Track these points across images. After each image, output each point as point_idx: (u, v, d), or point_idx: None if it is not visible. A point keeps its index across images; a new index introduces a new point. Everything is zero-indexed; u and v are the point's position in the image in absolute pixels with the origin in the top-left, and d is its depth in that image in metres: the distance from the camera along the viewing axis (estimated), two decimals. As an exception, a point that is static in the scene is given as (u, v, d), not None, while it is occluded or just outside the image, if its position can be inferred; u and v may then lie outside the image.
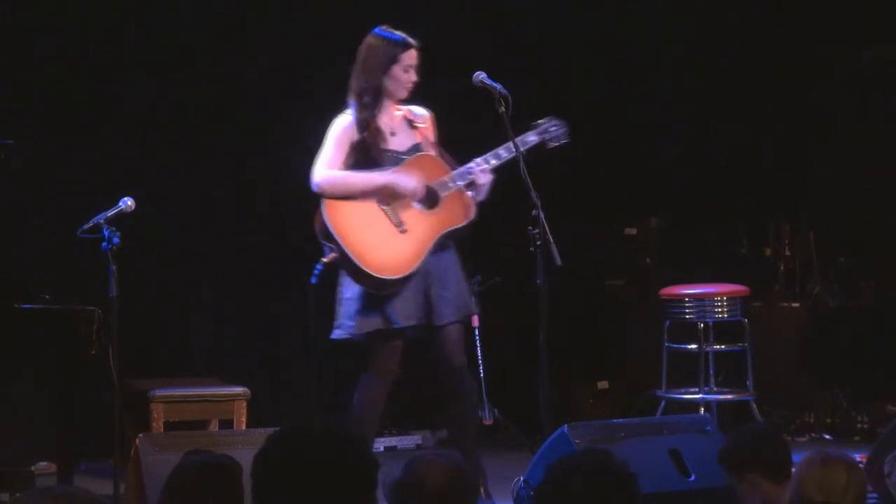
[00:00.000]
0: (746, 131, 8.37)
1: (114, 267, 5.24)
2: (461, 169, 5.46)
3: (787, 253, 8.27)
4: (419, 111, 5.58)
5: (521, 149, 5.41)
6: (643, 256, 8.31)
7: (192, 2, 7.22)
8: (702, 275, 7.55)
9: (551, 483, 2.94)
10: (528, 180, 5.31)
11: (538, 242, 5.21)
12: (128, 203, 5.38)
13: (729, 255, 8.31)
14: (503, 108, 5.36)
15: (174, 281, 7.11)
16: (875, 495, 4.66)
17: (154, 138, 7.13)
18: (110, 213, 5.34)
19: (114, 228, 5.28)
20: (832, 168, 8.39)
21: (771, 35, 8.33)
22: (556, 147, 5.62)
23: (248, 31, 7.39)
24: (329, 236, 5.36)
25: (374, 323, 5.37)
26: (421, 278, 5.40)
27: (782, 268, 8.26)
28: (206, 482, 3.39)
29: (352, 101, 5.46)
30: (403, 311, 5.36)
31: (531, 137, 5.55)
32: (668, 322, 7.26)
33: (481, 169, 5.45)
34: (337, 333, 5.45)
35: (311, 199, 5.42)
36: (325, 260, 5.38)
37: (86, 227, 5.31)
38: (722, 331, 7.24)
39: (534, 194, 5.23)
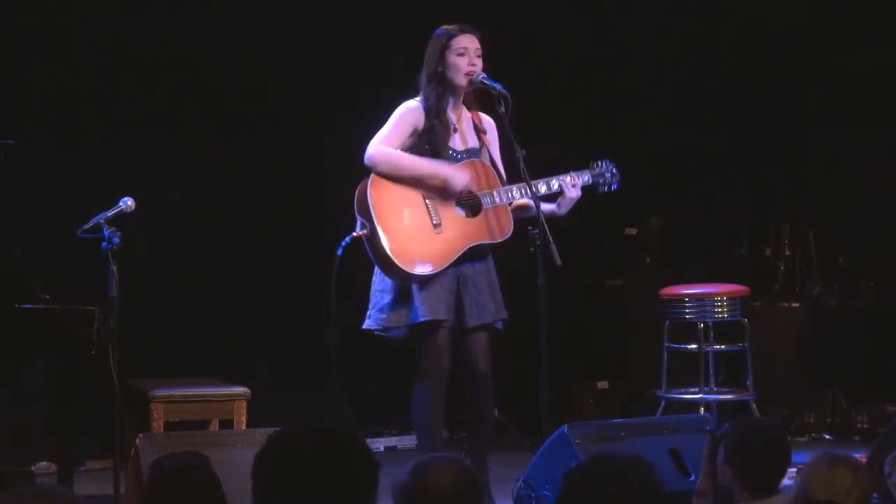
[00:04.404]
0: (746, 131, 8.36)
1: (114, 267, 5.24)
2: (510, 186, 5.44)
3: (787, 253, 8.27)
4: (487, 118, 5.58)
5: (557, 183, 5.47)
6: (643, 256, 8.31)
7: (192, 1, 7.22)
8: (702, 275, 7.55)
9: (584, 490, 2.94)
10: (529, 180, 5.31)
11: (538, 243, 5.21)
12: (128, 203, 5.38)
13: (729, 255, 8.31)
14: (503, 109, 5.37)
15: (174, 281, 7.11)
16: (876, 495, 4.66)
17: (154, 138, 7.12)
18: (110, 213, 5.33)
19: (114, 228, 5.27)
20: (832, 168, 8.39)
21: (771, 34, 8.33)
22: (606, 192, 5.69)
23: (248, 30, 7.38)
24: (366, 211, 5.33)
25: (402, 318, 5.38)
26: (453, 279, 5.38)
27: (782, 268, 8.26)
28: (178, 485, 3.39)
29: (421, 92, 5.48)
30: (433, 306, 5.33)
31: (585, 177, 5.58)
32: (668, 322, 7.27)
33: (573, 183, 5.48)
34: (367, 324, 5.47)
35: (356, 174, 5.42)
36: (354, 234, 5.35)
37: (86, 227, 5.31)
38: (722, 331, 7.24)
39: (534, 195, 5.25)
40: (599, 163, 5.68)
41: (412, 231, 5.36)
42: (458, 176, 5.39)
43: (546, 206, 5.51)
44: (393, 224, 5.35)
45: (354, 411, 5.54)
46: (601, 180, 5.65)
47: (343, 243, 5.35)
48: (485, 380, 5.49)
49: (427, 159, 5.42)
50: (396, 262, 5.31)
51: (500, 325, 5.53)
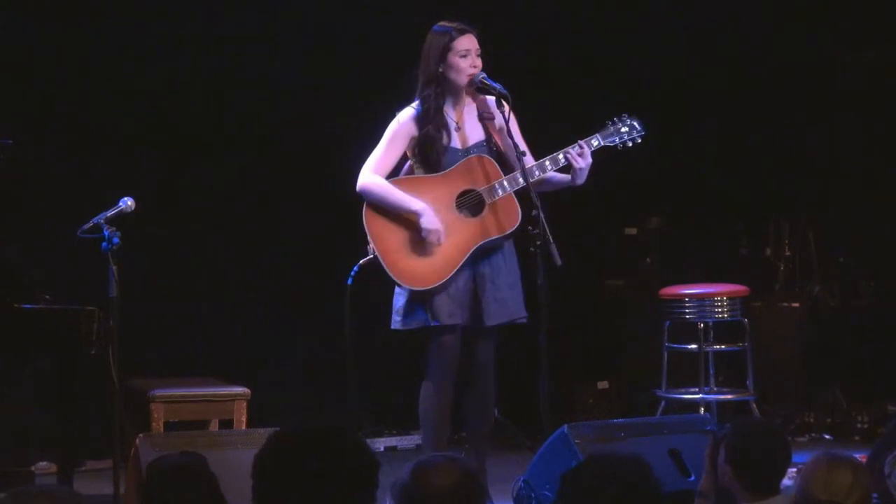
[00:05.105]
0: (746, 131, 8.36)
1: (114, 267, 5.24)
2: (514, 174, 5.39)
3: (787, 253, 8.27)
4: (491, 100, 5.49)
5: (562, 154, 5.40)
6: (643, 256, 8.31)
7: (191, 2, 7.22)
8: (702, 275, 7.55)
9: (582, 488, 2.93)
10: (529, 181, 5.30)
11: (538, 242, 5.20)
12: (128, 203, 5.38)
13: (729, 255, 8.31)
14: (504, 108, 5.36)
15: (174, 281, 7.11)
16: (876, 495, 4.66)
17: (154, 138, 7.12)
18: (110, 213, 5.33)
19: (114, 228, 5.27)
20: (832, 167, 8.39)
21: (772, 35, 8.33)
22: (631, 147, 5.59)
23: (247, 30, 7.38)
24: (366, 236, 5.40)
25: (418, 320, 5.40)
26: (469, 279, 5.39)
27: (782, 268, 8.26)
28: (175, 485, 3.39)
29: (418, 95, 5.46)
30: (447, 309, 5.35)
31: (595, 141, 5.51)
32: (668, 322, 7.26)
33: (578, 153, 5.40)
34: (392, 324, 5.50)
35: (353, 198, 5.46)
36: (361, 262, 5.41)
37: (86, 227, 5.30)
38: (722, 331, 7.24)
39: (534, 195, 5.23)
40: (613, 121, 5.59)
41: (411, 247, 5.39)
42: (427, 219, 5.36)
43: (564, 177, 5.49)
44: (391, 244, 5.39)
45: (367, 413, 5.57)
46: (617, 139, 5.57)
47: (352, 272, 5.43)
48: (487, 376, 5.50)
49: (414, 198, 5.39)
50: (400, 281, 5.37)
51: (522, 321, 5.50)
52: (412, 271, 5.37)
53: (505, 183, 5.40)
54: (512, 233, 5.41)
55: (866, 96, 8.30)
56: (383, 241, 5.39)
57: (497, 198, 5.40)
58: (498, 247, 5.45)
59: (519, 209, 5.40)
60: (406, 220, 5.41)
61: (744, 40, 8.29)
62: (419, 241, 5.39)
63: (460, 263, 5.36)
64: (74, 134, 6.92)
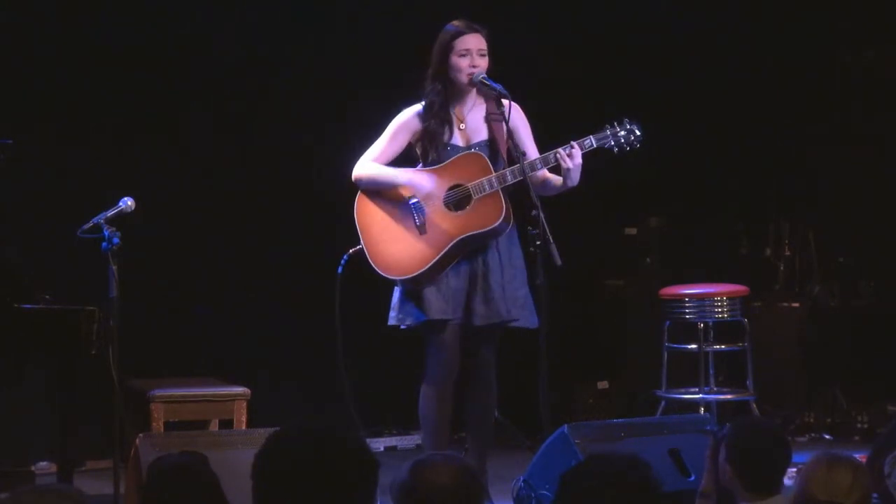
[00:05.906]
0: (747, 131, 8.36)
1: (114, 267, 5.24)
2: (503, 171, 5.38)
3: (787, 253, 8.27)
4: (506, 103, 5.42)
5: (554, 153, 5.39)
6: (643, 256, 8.31)
7: (192, 2, 7.22)
8: (702, 275, 7.55)
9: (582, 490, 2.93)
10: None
11: (538, 242, 5.20)
12: (128, 203, 5.38)
13: (729, 255, 8.31)
14: (503, 109, 5.36)
15: (174, 281, 7.11)
16: (876, 495, 4.66)
17: (154, 138, 7.12)
18: (110, 213, 5.34)
19: (114, 228, 5.28)
20: (833, 167, 8.39)
21: (772, 35, 8.33)
22: (629, 152, 5.55)
23: (248, 31, 7.38)
24: (355, 226, 5.47)
25: (411, 316, 5.42)
26: (464, 277, 5.39)
27: (782, 268, 8.26)
28: (176, 485, 3.39)
29: (424, 91, 5.49)
30: (437, 305, 5.36)
31: (587, 142, 5.47)
32: (668, 322, 7.26)
33: (567, 153, 5.37)
34: (388, 321, 5.54)
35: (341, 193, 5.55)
36: (351, 251, 5.47)
37: (86, 227, 5.31)
38: (722, 331, 7.24)
39: (534, 195, 5.22)
40: (613, 124, 5.55)
41: (393, 237, 5.42)
42: (418, 182, 5.43)
43: (559, 179, 5.48)
44: (374, 233, 5.44)
45: (359, 412, 5.59)
46: (613, 141, 5.51)
47: (342, 261, 5.49)
48: (490, 381, 5.49)
49: (405, 170, 5.47)
50: (379, 270, 5.41)
51: (519, 324, 5.45)
52: (392, 260, 5.40)
53: (493, 179, 5.38)
54: (494, 229, 5.37)
55: (866, 96, 8.30)
56: (368, 228, 5.45)
57: (483, 194, 5.39)
58: (495, 245, 5.44)
59: (503, 206, 5.37)
60: (393, 208, 5.45)
61: (744, 40, 8.30)
62: (403, 229, 5.41)
63: (439, 255, 5.36)
64: (74, 133, 6.91)
